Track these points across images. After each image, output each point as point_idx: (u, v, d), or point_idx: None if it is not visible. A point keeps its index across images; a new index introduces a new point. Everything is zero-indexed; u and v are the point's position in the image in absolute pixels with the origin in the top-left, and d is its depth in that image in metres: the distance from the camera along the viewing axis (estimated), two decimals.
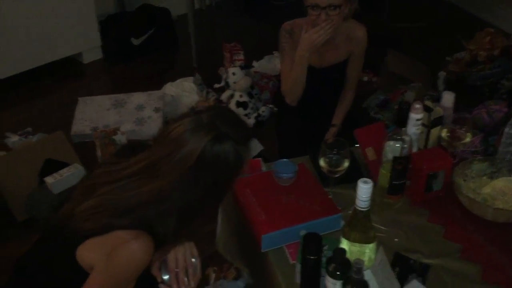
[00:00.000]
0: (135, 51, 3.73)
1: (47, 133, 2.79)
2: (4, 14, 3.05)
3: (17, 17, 3.12)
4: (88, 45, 3.63)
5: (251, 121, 3.01)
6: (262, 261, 1.44)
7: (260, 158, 1.73)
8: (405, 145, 1.42)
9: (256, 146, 2.49)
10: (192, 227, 1.24)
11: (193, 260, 1.24)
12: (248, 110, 3.05)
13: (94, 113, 3.01)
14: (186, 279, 1.21)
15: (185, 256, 1.22)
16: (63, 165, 2.34)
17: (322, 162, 1.50)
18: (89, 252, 1.14)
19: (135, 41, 3.72)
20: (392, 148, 1.44)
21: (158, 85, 3.30)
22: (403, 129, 1.44)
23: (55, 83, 3.45)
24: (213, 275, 2.03)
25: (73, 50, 3.58)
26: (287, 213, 1.44)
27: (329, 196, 1.52)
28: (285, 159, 1.58)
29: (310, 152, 1.74)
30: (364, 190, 1.12)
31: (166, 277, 1.21)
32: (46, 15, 3.26)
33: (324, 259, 1.19)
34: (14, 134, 2.84)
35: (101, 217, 1.12)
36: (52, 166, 2.32)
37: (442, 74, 3.15)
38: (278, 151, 2.37)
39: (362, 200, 1.14)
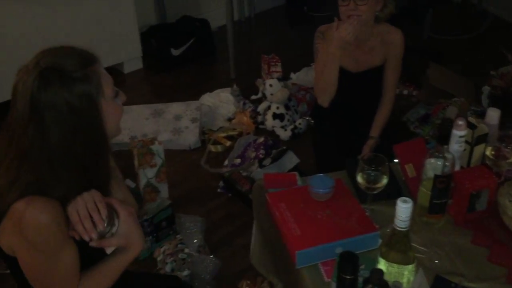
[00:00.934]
0: (174, 62, 3.79)
1: None
2: (48, 25, 3.14)
3: (62, 27, 3.21)
4: (129, 55, 3.71)
5: (287, 134, 3.00)
6: (296, 278, 1.41)
7: (296, 172, 1.71)
8: (447, 163, 1.37)
9: (292, 159, 2.47)
10: (83, 178, 1.13)
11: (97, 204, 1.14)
12: (285, 122, 3.03)
13: (133, 122, 3.06)
14: (91, 225, 1.12)
15: (85, 204, 1.12)
16: None
17: (359, 178, 1.46)
18: (2, 237, 1.12)
19: (175, 52, 3.77)
20: (433, 165, 1.39)
21: (196, 96, 3.33)
22: (445, 146, 1.39)
23: None
24: None
25: (114, 60, 3.65)
26: (323, 229, 1.41)
27: (366, 213, 1.48)
28: (321, 174, 1.55)
29: (348, 167, 1.71)
30: (403, 209, 1.08)
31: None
32: (89, 26, 3.35)
33: (360, 279, 1.15)
34: None
35: (1, 202, 1.09)
36: None
37: (486, 89, 3.05)
38: (315, 164, 2.34)
39: (401, 220, 1.10)
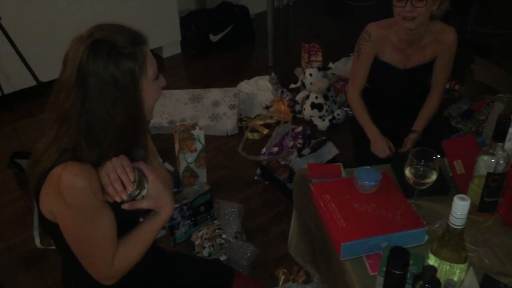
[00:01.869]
0: (213, 47, 3.79)
1: None
2: (90, 8, 3.18)
3: (104, 10, 3.24)
4: (168, 40, 3.73)
5: (325, 124, 2.97)
6: (340, 270, 1.40)
7: (340, 164, 1.69)
8: (501, 161, 1.34)
9: (331, 150, 2.45)
10: (119, 147, 1.16)
11: (126, 169, 1.16)
12: (323, 112, 3.01)
13: (172, 107, 3.08)
14: (122, 187, 1.15)
15: (115, 168, 1.15)
16: None
17: (407, 172, 1.44)
18: (43, 202, 1.16)
19: (214, 38, 3.77)
20: (487, 163, 1.36)
21: (233, 82, 3.33)
22: (500, 144, 1.35)
23: None
24: (282, 277, 2.02)
25: (153, 44, 3.68)
26: (369, 222, 1.39)
27: (413, 209, 1.46)
28: (368, 167, 1.53)
29: (393, 160, 1.68)
30: (460, 207, 1.06)
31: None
32: (130, 9, 3.38)
33: (408, 275, 1.14)
34: None
35: (39, 166, 1.13)
36: None
37: None
38: (353, 156, 2.32)
39: (457, 218, 1.07)
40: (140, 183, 1.18)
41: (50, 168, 1.12)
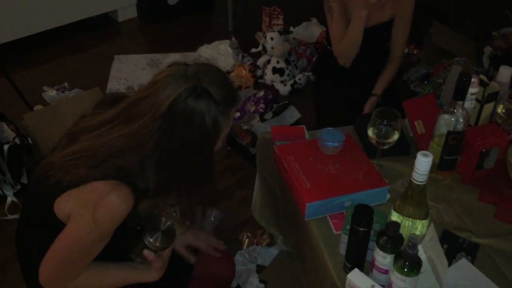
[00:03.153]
0: (170, 12, 3.68)
1: (82, 89, 2.79)
2: None
3: None
4: (123, 2, 3.59)
5: (287, 88, 2.96)
6: (304, 230, 1.41)
7: (303, 126, 1.68)
8: (461, 119, 1.36)
9: (293, 114, 2.44)
10: (177, 187, 1.18)
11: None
12: (285, 77, 2.99)
13: (130, 72, 2.99)
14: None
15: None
16: None
17: (370, 133, 1.45)
18: (65, 204, 1.12)
19: (171, 1, 3.66)
20: (447, 121, 1.38)
21: (193, 47, 3.25)
22: (460, 102, 1.37)
23: (91, 40, 3.43)
24: (246, 241, 2.02)
25: (108, 7, 3.54)
26: (333, 182, 1.40)
27: (375, 168, 1.47)
28: (331, 128, 1.53)
29: (356, 121, 1.69)
30: (423, 163, 1.07)
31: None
32: None
33: (371, 232, 1.16)
34: (51, 88, 2.84)
35: (79, 167, 1.09)
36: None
37: (488, 50, 3.03)
38: (315, 120, 2.33)
39: (420, 174, 1.09)
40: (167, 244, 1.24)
41: (96, 178, 1.07)
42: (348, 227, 1.19)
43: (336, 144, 1.48)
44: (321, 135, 1.50)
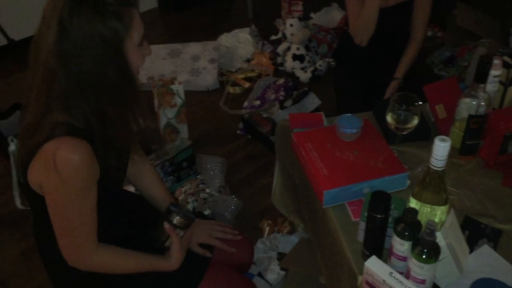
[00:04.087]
0: (190, 1, 3.67)
1: None
2: None
3: None
4: None
5: (307, 75, 2.93)
6: (322, 217, 1.40)
7: (321, 112, 1.67)
8: (483, 103, 1.32)
9: (313, 101, 2.42)
10: (112, 112, 1.12)
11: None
12: (305, 64, 2.96)
13: (150, 62, 3.01)
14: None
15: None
16: None
17: (389, 118, 1.42)
18: (32, 175, 1.14)
19: None
20: (468, 105, 1.34)
21: (213, 36, 3.25)
22: (481, 85, 1.33)
23: None
24: (266, 228, 2.03)
25: None
26: (351, 169, 1.38)
27: (395, 154, 1.45)
28: (349, 114, 1.51)
29: (375, 107, 1.66)
30: (441, 148, 1.04)
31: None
32: None
33: (389, 219, 1.14)
34: None
35: (29, 139, 1.10)
36: None
37: None
38: (336, 107, 2.30)
39: (437, 159, 1.06)
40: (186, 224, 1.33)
41: (42, 142, 1.07)
42: (365, 214, 1.18)
43: (354, 130, 1.46)
44: (339, 121, 1.48)
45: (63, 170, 1.07)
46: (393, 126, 1.42)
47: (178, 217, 1.31)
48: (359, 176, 1.36)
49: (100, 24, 1.03)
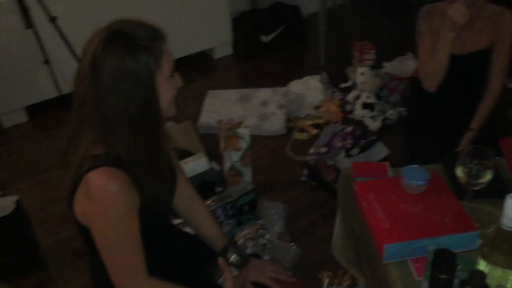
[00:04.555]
0: (264, 48, 3.77)
1: (176, 122, 2.91)
2: (146, 9, 3.23)
3: (155, 12, 3.29)
4: (220, 41, 3.74)
5: (377, 124, 2.87)
6: (383, 273, 1.32)
7: (387, 162, 1.60)
8: None
9: (381, 150, 2.35)
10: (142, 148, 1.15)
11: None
12: (375, 112, 2.90)
13: (221, 106, 3.08)
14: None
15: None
16: (188, 154, 2.42)
17: (459, 172, 1.34)
18: (77, 207, 1.16)
19: (265, 38, 3.75)
20: None
21: (284, 82, 3.28)
22: None
23: (187, 76, 3.59)
24: (326, 280, 1.94)
25: (205, 45, 3.71)
26: (415, 224, 1.31)
27: (465, 211, 1.35)
28: (415, 165, 1.44)
29: (445, 159, 1.58)
30: None
31: None
32: (182, 13, 3.41)
33: (456, 280, 1.05)
34: None
35: (72, 170, 1.15)
36: (179, 154, 2.40)
37: None
38: (407, 158, 2.21)
39: (509, 219, 0.98)
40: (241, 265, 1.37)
41: (83, 173, 1.12)
42: (428, 273, 1.09)
43: (420, 182, 1.39)
44: (405, 172, 1.42)
45: (101, 200, 1.10)
46: (463, 181, 1.33)
47: (234, 255, 1.32)
48: (424, 232, 1.28)
49: (131, 60, 1.09)
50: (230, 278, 1.31)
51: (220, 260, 1.32)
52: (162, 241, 1.34)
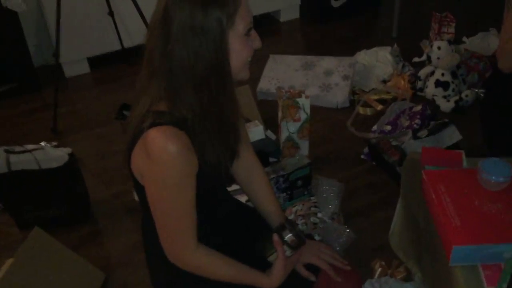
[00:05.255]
0: (333, 13, 3.58)
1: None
2: None
3: None
4: (287, 2, 3.59)
5: (450, 105, 2.64)
6: (446, 276, 1.19)
7: (462, 151, 1.43)
8: None
9: (453, 134, 2.15)
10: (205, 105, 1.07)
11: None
12: (449, 92, 2.67)
13: (282, 73, 2.95)
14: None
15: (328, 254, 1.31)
16: (245, 120, 2.32)
17: None
18: (135, 163, 1.11)
19: (335, 3, 3.56)
20: None
21: (351, 52, 3.09)
22: None
23: None
24: (378, 269, 1.82)
25: (271, 7, 3.57)
26: (490, 225, 1.15)
27: None
28: (496, 158, 1.27)
29: None
30: None
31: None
32: None
33: None
34: None
35: (135, 124, 1.09)
36: None
37: None
38: (482, 145, 2.01)
39: None
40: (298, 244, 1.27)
41: (145, 129, 1.06)
42: (504, 286, 0.95)
43: (501, 179, 1.22)
44: (483, 165, 1.25)
45: (159, 160, 1.04)
46: None
47: (290, 235, 1.24)
48: (501, 236, 1.13)
49: (202, 14, 1.00)
50: (282, 258, 1.22)
51: (275, 237, 1.24)
52: (217, 208, 1.29)
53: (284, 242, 1.24)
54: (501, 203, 1.20)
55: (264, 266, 1.25)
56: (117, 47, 3.13)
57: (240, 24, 1.04)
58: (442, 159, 1.41)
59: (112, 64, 3.27)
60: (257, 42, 1.10)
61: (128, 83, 3.05)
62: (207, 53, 1.02)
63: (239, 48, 1.06)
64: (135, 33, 3.06)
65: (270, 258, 1.25)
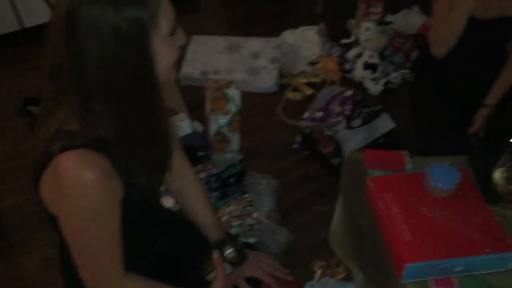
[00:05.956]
0: None
1: None
2: None
3: None
4: None
5: (378, 88, 2.61)
6: (394, 285, 1.12)
7: (404, 152, 1.37)
8: None
9: (386, 123, 2.11)
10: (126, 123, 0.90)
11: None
12: (377, 74, 2.64)
13: (206, 55, 2.77)
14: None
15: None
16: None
17: (498, 176, 1.12)
18: (45, 191, 0.93)
19: None
20: None
21: (277, 30, 2.97)
22: None
23: None
24: (319, 271, 1.76)
25: None
26: (440, 237, 1.10)
27: (496, 218, 1.15)
28: (445, 164, 1.21)
29: (473, 154, 1.35)
30: None
31: None
32: None
33: None
34: None
35: (41, 146, 0.91)
36: None
37: None
38: (413, 129, 1.99)
39: None
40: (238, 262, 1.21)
41: (56, 152, 0.87)
42: None
43: (450, 186, 1.16)
44: (430, 171, 1.19)
45: (72, 192, 0.86)
46: (502, 188, 1.12)
47: (231, 250, 1.16)
48: (452, 249, 1.08)
49: (116, 16, 0.81)
50: (222, 277, 1.11)
51: (215, 255, 1.13)
52: (147, 228, 1.13)
53: (224, 258, 1.16)
54: (449, 209, 1.16)
55: (203, 285, 1.14)
56: (16, 27, 2.79)
57: (164, 25, 0.87)
58: (385, 162, 1.34)
59: (11, 47, 2.91)
60: (181, 39, 0.93)
61: (30, 68, 2.72)
62: (127, 62, 0.84)
63: (165, 51, 0.88)
64: (36, 11, 2.74)
65: (209, 277, 1.16)
